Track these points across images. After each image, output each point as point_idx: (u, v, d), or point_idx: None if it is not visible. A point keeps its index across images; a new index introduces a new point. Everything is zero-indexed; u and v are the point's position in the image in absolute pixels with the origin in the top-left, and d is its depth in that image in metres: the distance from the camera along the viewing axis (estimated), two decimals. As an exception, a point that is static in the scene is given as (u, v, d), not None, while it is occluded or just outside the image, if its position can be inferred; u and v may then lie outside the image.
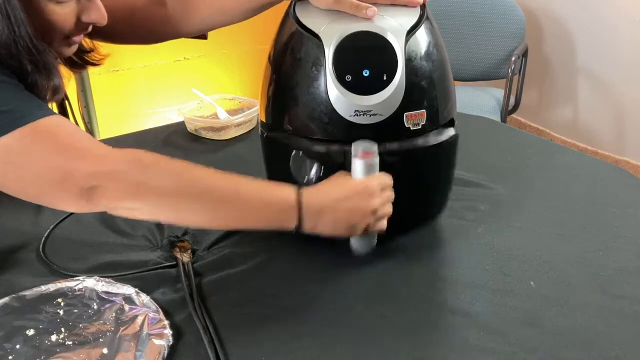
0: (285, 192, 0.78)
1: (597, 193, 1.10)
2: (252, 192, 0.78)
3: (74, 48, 0.85)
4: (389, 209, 0.82)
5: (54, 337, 0.76)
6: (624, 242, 0.94)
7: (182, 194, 0.74)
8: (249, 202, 0.77)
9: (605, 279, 0.86)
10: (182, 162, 0.76)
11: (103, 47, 0.98)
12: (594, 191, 1.11)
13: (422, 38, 0.83)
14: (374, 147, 0.80)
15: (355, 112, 0.80)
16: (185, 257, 0.92)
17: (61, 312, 0.80)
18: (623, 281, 0.85)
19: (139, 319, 0.78)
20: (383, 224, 0.82)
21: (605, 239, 0.95)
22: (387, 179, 0.81)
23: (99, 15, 0.82)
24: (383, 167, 0.81)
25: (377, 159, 0.80)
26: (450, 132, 0.89)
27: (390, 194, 0.82)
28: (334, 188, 0.80)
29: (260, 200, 0.78)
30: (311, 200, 0.77)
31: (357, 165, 0.80)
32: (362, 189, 0.79)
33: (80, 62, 0.93)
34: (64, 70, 0.87)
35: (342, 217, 0.79)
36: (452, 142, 0.90)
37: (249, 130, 1.39)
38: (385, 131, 0.82)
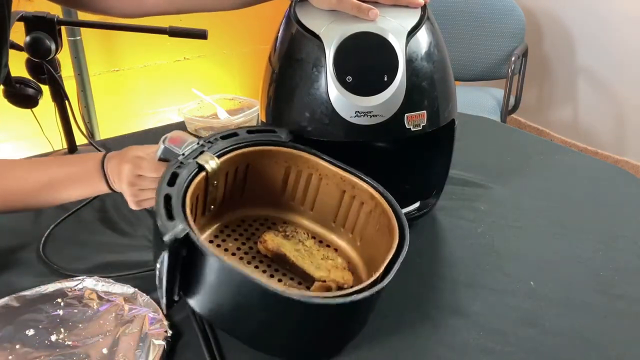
0: (90, 159, 0.82)
1: (597, 193, 1.10)
2: (59, 171, 0.82)
3: None
4: (144, 195, 0.81)
5: (54, 337, 0.76)
6: (624, 242, 0.94)
7: None
8: (60, 181, 0.82)
9: (605, 279, 0.86)
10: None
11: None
12: (594, 191, 1.11)
13: (423, 39, 0.83)
14: (185, 138, 0.79)
15: (355, 113, 0.80)
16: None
17: (61, 312, 0.80)
18: (623, 281, 0.85)
19: (139, 319, 0.78)
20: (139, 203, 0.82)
21: (605, 239, 0.95)
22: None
23: None
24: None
25: (180, 150, 0.78)
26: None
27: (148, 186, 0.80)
28: (128, 152, 0.81)
29: (68, 175, 0.82)
30: (110, 159, 0.81)
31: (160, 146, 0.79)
32: (139, 162, 0.79)
33: None
34: None
35: (122, 178, 0.79)
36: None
37: (249, 130, 1.39)
38: (385, 132, 0.82)
